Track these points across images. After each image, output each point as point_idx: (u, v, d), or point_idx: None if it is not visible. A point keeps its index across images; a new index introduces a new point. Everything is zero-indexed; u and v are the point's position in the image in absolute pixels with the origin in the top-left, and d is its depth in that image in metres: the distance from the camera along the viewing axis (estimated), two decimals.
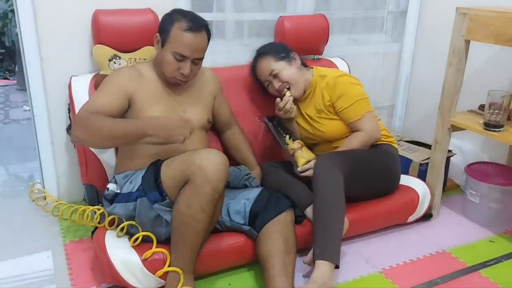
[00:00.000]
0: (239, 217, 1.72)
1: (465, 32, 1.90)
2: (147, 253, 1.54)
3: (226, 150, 2.04)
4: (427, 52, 2.76)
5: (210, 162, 1.46)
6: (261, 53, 2.04)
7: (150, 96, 1.72)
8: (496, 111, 1.88)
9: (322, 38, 2.40)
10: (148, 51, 1.99)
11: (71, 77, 1.99)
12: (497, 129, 1.89)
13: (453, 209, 2.28)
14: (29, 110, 2.19)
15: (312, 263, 1.69)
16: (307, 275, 1.72)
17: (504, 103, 1.86)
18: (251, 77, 2.20)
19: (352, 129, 1.96)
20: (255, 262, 1.72)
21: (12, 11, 4.38)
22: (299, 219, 1.80)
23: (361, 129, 1.93)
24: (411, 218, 2.07)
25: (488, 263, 1.87)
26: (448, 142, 2.11)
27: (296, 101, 2.02)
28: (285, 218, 1.70)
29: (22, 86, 4.18)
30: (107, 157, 1.98)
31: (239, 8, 2.36)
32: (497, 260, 1.89)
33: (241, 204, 1.74)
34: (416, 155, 2.37)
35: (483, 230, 2.11)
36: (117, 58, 1.97)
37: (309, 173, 1.83)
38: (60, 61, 2.03)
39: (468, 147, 2.50)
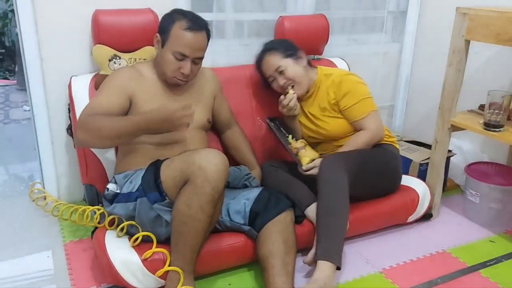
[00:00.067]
0: (239, 217, 1.72)
1: (465, 32, 1.90)
2: (147, 253, 1.54)
3: (226, 150, 2.04)
4: (427, 52, 2.76)
5: (210, 162, 1.46)
6: (269, 48, 2.03)
7: (150, 96, 1.72)
8: (496, 111, 1.88)
9: (322, 38, 2.39)
10: (148, 51, 1.99)
11: (71, 77, 1.99)
12: (497, 129, 1.89)
13: (453, 209, 2.28)
14: (29, 110, 2.19)
15: (312, 263, 1.69)
16: (307, 275, 1.72)
17: (504, 103, 1.86)
18: (251, 77, 2.20)
19: (356, 127, 1.95)
20: (255, 262, 1.72)
21: (12, 11, 4.39)
22: (299, 219, 1.80)
23: (365, 128, 1.93)
24: (411, 218, 2.07)
25: (488, 263, 1.87)
26: (448, 142, 2.11)
27: (299, 99, 2.01)
28: (285, 218, 1.70)
29: (22, 86, 4.18)
30: (107, 157, 1.98)
31: (239, 8, 2.36)
32: (497, 260, 1.89)
33: (241, 204, 1.74)
34: (416, 155, 2.37)
35: (483, 230, 2.11)
36: (117, 58, 1.97)
37: (314, 171, 1.83)
38: (60, 61, 2.03)
39: (468, 147, 2.50)
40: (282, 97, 1.96)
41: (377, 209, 1.96)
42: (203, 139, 1.84)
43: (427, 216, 2.15)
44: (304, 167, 1.87)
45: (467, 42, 1.93)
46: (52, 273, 1.74)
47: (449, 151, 2.26)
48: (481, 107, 2.09)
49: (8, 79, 4.87)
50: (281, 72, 1.97)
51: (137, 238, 1.59)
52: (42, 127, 2.08)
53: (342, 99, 1.93)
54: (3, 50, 5.10)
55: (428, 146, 2.37)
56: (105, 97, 1.66)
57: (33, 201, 2.17)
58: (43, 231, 2.00)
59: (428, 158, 2.22)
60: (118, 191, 1.68)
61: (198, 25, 1.70)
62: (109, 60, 1.96)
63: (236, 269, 1.76)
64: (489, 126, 1.90)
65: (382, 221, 2.02)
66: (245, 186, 1.87)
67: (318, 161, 1.85)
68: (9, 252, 1.85)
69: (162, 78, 1.77)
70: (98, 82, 1.92)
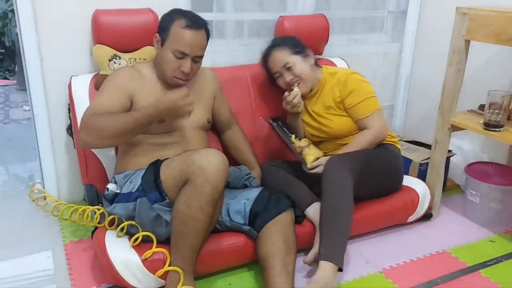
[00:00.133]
0: (239, 217, 1.72)
1: (465, 32, 1.90)
2: (147, 253, 1.54)
3: (226, 150, 2.04)
4: (427, 52, 2.76)
5: (210, 162, 1.46)
6: (278, 44, 2.02)
7: (150, 96, 1.72)
8: (496, 111, 1.88)
9: (322, 38, 2.40)
10: (148, 51, 1.99)
11: (71, 77, 1.99)
12: (497, 129, 1.89)
13: (453, 209, 2.28)
14: (29, 110, 2.19)
15: (312, 263, 1.69)
16: (307, 275, 1.72)
17: (504, 103, 1.86)
18: (251, 77, 2.20)
19: (360, 126, 1.95)
20: (255, 262, 1.72)
21: (12, 11, 4.38)
22: (299, 219, 1.80)
23: (369, 127, 1.93)
24: (411, 218, 2.07)
25: (488, 263, 1.87)
26: (448, 142, 2.11)
27: (302, 98, 2.00)
28: (285, 218, 1.70)
29: (22, 86, 4.18)
30: (107, 157, 1.98)
31: (239, 8, 2.36)
32: (497, 260, 1.89)
33: (241, 204, 1.74)
34: (416, 155, 2.37)
35: (483, 230, 2.11)
36: (117, 58, 1.97)
37: (319, 170, 1.82)
38: (60, 61, 2.03)
39: (468, 147, 2.50)
40: (286, 93, 1.95)
41: (377, 209, 1.96)
42: (203, 139, 1.84)
43: (427, 216, 2.15)
44: (308, 166, 1.86)
45: (467, 42, 1.93)
46: (52, 273, 1.74)
47: (449, 151, 2.26)
48: (481, 107, 2.09)
49: (8, 79, 4.87)
50: (288, 69, 1.97)
51: (137, 238, 1.58)
52: (42, 127, 2.08)
53: (347, 97, 1.93)
54: (3, 50, 5.10)
55: (428, 146, 2.37)
56: (106, 98, 1.66)
57: (33, 201, 2.17)
58: (43, 231, 2.00)
59: (428, 158, 2.22)
60: (118, 191, 1.68)
61: (197, 23, 1.70)
62: (109, 60, 1.96)
63: (236, 269, 1.76)
64: (489, 126, 1.90)
65: (382, 221, 2.02)
66: (245, 186, 1.87)
67: (322, 159, 1.85)
68: (9, 252, 1.85)
69: (161, 78, 1.77)
70: (98, 82, 1.92)
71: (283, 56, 1.98)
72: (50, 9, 1.95)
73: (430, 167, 2.18)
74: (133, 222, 1.62)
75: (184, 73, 1.70)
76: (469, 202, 2.17)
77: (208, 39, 1.76)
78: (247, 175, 1.90)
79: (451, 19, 1.94)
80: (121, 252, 1.56)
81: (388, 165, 1.96)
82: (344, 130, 1.97)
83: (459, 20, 1.91)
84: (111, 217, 1.67)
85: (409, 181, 2.13)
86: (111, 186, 1.71)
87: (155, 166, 1.59)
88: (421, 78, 2.82)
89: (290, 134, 2.01)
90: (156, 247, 1.56)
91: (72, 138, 2.06)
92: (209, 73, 1.97)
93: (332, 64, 2.42)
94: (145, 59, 1.98)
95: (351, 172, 1.73)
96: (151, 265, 1.54)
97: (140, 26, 1.98)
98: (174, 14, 1.72)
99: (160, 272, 1.53)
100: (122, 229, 1.63)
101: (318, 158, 1.88)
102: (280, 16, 2.32)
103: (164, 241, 1.59)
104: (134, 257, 1.55)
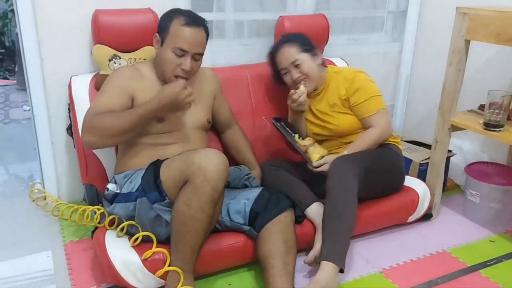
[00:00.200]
0: (239, 217, 1.72)
1: (465, 32, 1.90)
2: (147, 253, 1.54)
3: (226, 150, 2.04)
4: (427, 52, 2.76)
5: (210, 162, 1.46)
6: (288, 40, 2.01)
7: (150, 96, 1.71)
8: (496, 111, 1.88)
9: (322, 38, 2.39)
10: (148, 51, 1.99)
11: (71, 77, 1.99)
12: (497, 129, 1.89)
13: (453, 209, 2.28)
14: (29, 110, 2.19)
15: (312, 263, 1.69)
16: (308, 275, 1.73)
17: (504, 103, 1.86)
18: (251, 77, 2.20)
19: (365, 124, 1.95)
20: (255, 262, 1.72)
21: (12, 11, 4.38)
22: (299, 219, 1.80)
23: (374, 125, 1.92)
24: (411, 218, 2.07)
25: (488, 263, 1.87)
26: (448, 142, 2.11)
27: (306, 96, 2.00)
28: (285, 218, 1.70)
29: (22, 86, 4.18)
30: (107, 157, 1.98)
31: (239, 8, 2.36)
32: (497, 260, 1.89)
33: (241, 204, 1.73)
34: (416, 155, 2.37)
35: (483, 230, 2.11)
36: (117, 58, 1.97)
37: (324, 168, 1.82)
38: (60, 61, 2.03)
39: (468, 147, 2.50)
40: (292, 91, 1.94)
41: (377, 209, 1.96)
42: (203, 139, 1.84)
43: (427, 216, 2.15)
44: (314, 164, 1.86)
45: (467, 42, 1.93)
46: (52, 273, 1.74)
47: (449, 151, 2.26)
48: (481, 107, 2.09)
49: (8, 79, 4.87)
50: (296, 66, 1.96)
51: (137, 238, 1.58)
52: (42, 127, 2.08)
53: (353, 95, 1.93)
54: (3, 50, 5.10)
55: (428, 146, 2.37)
56: (107, 98, 1.66)
57: (33, 201, 2.17)
58: (43, 231, 2.00)
59: (428, 158, 2.22)
60: (118, 191, 1.68)
61: (197, 21, 1.70)
62: (109, 60, 1.96)
63: (236, 269, 1.76)
64: (489, 126, 1.90)
65: (382, 221, 2.02)
66: (245, 186, 1.87)
67: (328, 158, 1.84)
68: (9, 252, 1.85)
69: (161, 78, 1.77)
70: (98, 82, 1.92)
71: (292, 53, 1.97)
72: (50, 9, 1.96)
73: (430, 167, 2.18)
74: (133, 222, 1.62)
75: (185, 71, 1.70)
76: (469, 202, 2.17)
77: (207, 37, 1.76)
78: (247, 175, 1.90)
79: (451, 19, 1.94)
80: (121, 252, 1.56)
81: (392, 165, 1.96)
82: (348, 128, 1.97)
83: (459, 20, 1.91)
84: (111, 217, 1.67)
85: (409, 181, 2.13)
86: (111, 186, 1.71)
87: (155, 166, 1.59)
88: (421, 78, 2.82)
89: (293, 134, 2.01)
90: (156, 247, 1.56)
91: (72, 138, 2.06)
92: (209, 73, 1.97)
93: (332, 64, 2.42)
94: (145, 59, 1.98)
95: (356, 173, 1.72)
96: (151, 265, 1.54)
97: (140, 26, 1.98)
98: (173, 13, 1.72)
99: (160, 272, 1.53)
100: (122, 229, 1.63)
101: (323, 156, 1.88)
102: (280, 16, 2.32)
103: (164, 241, 1.59)
104: (134, 257, 1.55)
